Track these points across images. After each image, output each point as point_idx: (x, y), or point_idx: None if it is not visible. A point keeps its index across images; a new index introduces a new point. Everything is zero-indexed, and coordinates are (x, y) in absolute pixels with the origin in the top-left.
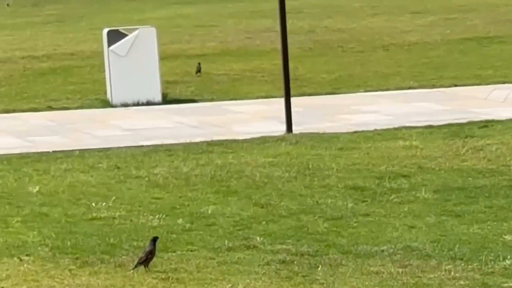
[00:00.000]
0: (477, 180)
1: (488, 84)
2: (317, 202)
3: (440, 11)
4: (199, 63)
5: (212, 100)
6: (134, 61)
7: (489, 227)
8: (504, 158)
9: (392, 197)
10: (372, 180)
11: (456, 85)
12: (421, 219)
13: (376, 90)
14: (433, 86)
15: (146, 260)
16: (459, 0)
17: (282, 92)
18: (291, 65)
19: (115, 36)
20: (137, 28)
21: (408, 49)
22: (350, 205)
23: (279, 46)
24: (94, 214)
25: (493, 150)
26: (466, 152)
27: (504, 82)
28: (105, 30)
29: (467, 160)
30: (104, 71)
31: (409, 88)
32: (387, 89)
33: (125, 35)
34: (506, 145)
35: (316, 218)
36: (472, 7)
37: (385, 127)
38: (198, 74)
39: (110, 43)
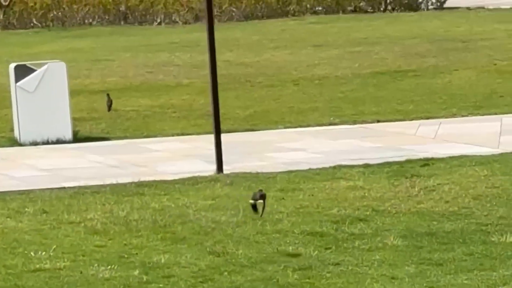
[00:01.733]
0: (443, 224)
1: (411, 119)
2: (277, 249)
3: (343, 44)
4: (109, 96)
5: (125, 137)
6: (43, 97)
7: (478, 278)
8: (462, 200)
9: (357, 243)
10: (328, 225)
11: (379, 121)
12: (399, 268)
13: (296, 127)
14: (355, 122)
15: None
16: (360, 33)
17: (201, 129)
18: (200, 100)
19: (22, 71)
20: (46, 63)
21: (319, 84)
22: (314, 253)
23: (183, 80)
24: (37, 265)
25: (447, 191)
26: (419, 193)
27: (427, 118)
28: (12, 65)
29: (423, 202)
30: (10, 107)
31: (330, 124)
32: (308, 125)
33: (33, 70)
34: (459, 185)
35: (282, 268)
36: (375, 40)
37: (320, 166)
38: (110, 109)
39: (17, 78)
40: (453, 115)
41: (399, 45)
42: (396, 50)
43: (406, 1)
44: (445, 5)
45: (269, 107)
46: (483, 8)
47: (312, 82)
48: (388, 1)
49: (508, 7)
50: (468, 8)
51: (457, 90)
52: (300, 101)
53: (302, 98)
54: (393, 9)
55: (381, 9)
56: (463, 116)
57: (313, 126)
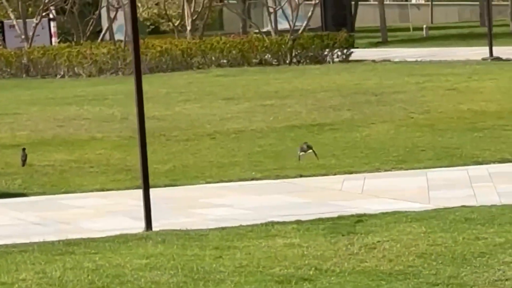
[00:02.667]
0: (393, 284)
1: (335, 174)
2: None
3: (254, 98)
4: (24, 151)
5: (43, 193)
6: None
7: None
8: (406, 258)
9: None
10: (273, 285)
11: (302, 176)
12: None
13: (218, 182)
14: (278, 177)
15: None
16: (270, 86)
17: (121, 184)
18: (116, 155)
19: None
20: None
21: (235, 137)
22: None
23: (96, 134)
24: None
25: (388, 248)
26: (360, 251)
27: (351, 172)
28: None
29: (366, 260)
30: None
31: (253, 179)
32: (230, 180)
33: None
34: (399, 242)
35: None
36: (287, 93)
37: (250, 223)
38: (24, 164)
39: None
40: (377, 170)
41: (312, 98)
42: (309, 103)
43: (312, 54)
44: (351, 58)
45: (188, 162)
46: (389, 61)
47: (228, 136)
48: (293, 53)
49: (413, 60)
50: (374, 61)
51: (377, 144)
52: (219, 155)
53: (221, 152)
54: (298, 61)
55: (287, 61)
56: (386, 170)
57: (235, 181)
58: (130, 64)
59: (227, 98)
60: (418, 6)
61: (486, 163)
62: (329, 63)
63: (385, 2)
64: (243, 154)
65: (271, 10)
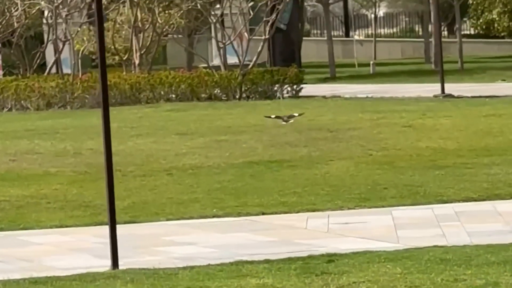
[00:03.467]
0: None
1: (298, 212)
2: None
3: (208, 133)
4: None
5: (1, 229)
6: None
7: None
8: None
9: None
10: None
11: (264, 213)
12: None
13: (178, 219)
14: (239, 214)
15: None
16: (223, 122)
17: (80, 221)
18: (73, 190)
19: None
20: None
21: (193, 173)
22: None
23: (50, 169)
24: None
25: None
26: None
27: (314, 210)
28: None
29: None
30: None
31: (214, 216)
32: (191, 217)
33: None
34: (376, 283)
35: None
36: (240, 128)
37: (219, 262)
38: None
39: None
40: (340, 208)
41: (267, 134)
42: (265, 139)
43: (261, 89)
44: (300, 94)
45: (147, 198)
46: (339, 97)
47: (185, 172)
48: (243, 89)
49: (364, 96)
50: (324, 97)
51: (338, 181)
52: (177, 191)
53: (179, 188)
54: (247, 97)
55: (236, 97)
56: (349, 208)
57: (196, 218)
58: (78, 98)
59: (180, 133)
60: (361, 42)
61: (451, 202)
62: (279, 98)
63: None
64: (202, 191)
65: (220, 44)
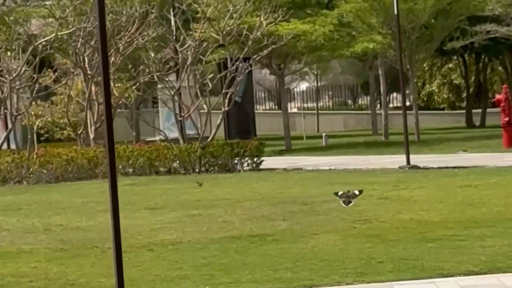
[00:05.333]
0: None
1: None
2: None
3: (178, 207)
4: None
5: None
6: None
7: None
8: None
9: None
10: None
11: None
12: None
13: None
14: None
15: None
16: (190, 195)
17: None
18: (53, 268)
19: None
20: None
21: (174, 249)
22: None
23: (23, 246)
24: None
25: None
26: None
27: (311, 286)
28: None
29: None
30: None
31: None
32: None
33: None
34: None
35: None
36: (211, 202)
37: None
38: None
39: None
40: (338, 283)
41: (239, 207)
42: (239, 213)
43: (221, 162)
44: (261, 167)
45: (134, 276)
46: (301, 169)
47: (165, 247)
48: (202, 162)
49: (326, 168)
50: (285, 169)
51: (329, 255)
52: (163, 268)
53: (164, 264)
54: (207, 170)
55: (196, 170)
56: (348, 284)
57: None
58: (35, 173)
59: (150, 208)
60: (304, 114)
61: (452, 276)
62: (240, 171)
63: (269, 111)
64: (189, 267)
65: (178, 117)
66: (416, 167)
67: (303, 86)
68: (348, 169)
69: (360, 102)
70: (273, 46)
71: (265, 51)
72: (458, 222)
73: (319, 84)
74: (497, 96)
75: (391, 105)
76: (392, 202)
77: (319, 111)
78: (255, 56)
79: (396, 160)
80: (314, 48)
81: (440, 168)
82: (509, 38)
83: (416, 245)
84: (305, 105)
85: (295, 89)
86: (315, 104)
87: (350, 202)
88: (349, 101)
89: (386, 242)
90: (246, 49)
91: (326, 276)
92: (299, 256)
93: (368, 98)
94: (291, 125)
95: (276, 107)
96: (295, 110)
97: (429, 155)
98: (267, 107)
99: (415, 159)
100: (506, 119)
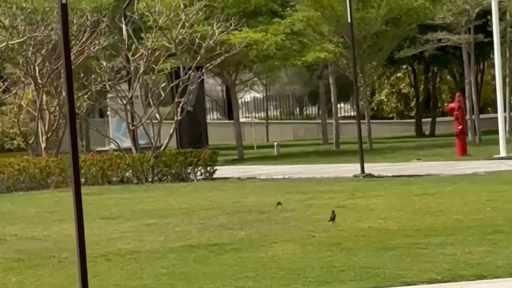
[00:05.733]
0: None
1: None
2: None
3: (133, 217)
4: None
5: None
6: None
7: None
8: None
9: None
10: None
11: None
12: None
13: None
14: None
15: None
16: (144, 205)
17: None
18: (12, 278)
19: None
20: None
21: (132, 258)
22: None
23: None
24: None
25: None
26: None
27: None
28: None
29: None
30: None
31: None
32: None
33: None
34: None
35: None
36: (166, 212)
37: None
38: None
39: None
40: None
41: (195, 217)
42: (195, 222)
43: (174, 171)
44: (214, 176)
45: (94, 286)
46: (255, 178)
47: (123, 257)
48: (155, 171)
49: (280, 177)
50: (239, 178)
51: (289, 264)
52: (123, 278)
53: (123, 274)
54: (160, 179)
55: (149, 179)
56: None
57: None
58: None
59: (105, 217)
60: (252, 124)
61: (415, 284)
62: (193, 181)
63: (218, 121)
64: (149, 276)
65: (131, 126)
66: (370, 176)
67: (247, 96)
68: (302, 178)
69: (307, 111)
70: (226, 55)
71: (218, 60)
72: (417, 230)
73: (266, 94)
74: (451, 105)
75: (339, 115)
76: (349, 211)
77: (268, 121)
78: (207, 65)
79: (349, 168)
80: (266, 57)
81: (394, 176)
82: (459, 46)
83: (377, 254)
84: (251, 115)
85: (241, 99)
86: (261, 114)
87: (333, 218)
88: (296, 111)
89: (346, 250)
90: (198, 58)
91: (288, 285)
92: (259, 265)
93: (315, 108)
94: (237, 134)
95: (222, 117)
96: (243, 120)
97: (382, 164)
98: (214, 117)
99: (369, 167)
100: (460, 127)
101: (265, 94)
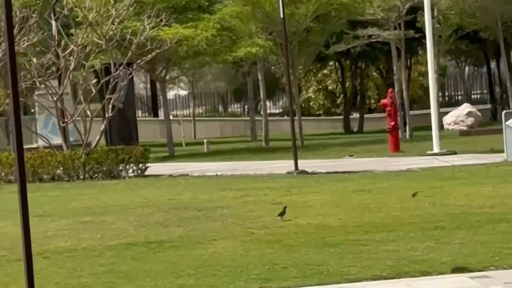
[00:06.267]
0: None
1: None
2: None
3: (68, 214)
4: None
5: None
6: None
7: None
8: None
9: None
10: None
11: None
12: None
13: None
14: None
15: None
16: (79, 203)
17: None
18: None
19: None
20: None
21: (70, 256)
22: None
23: None
24: None
25: None
26: None
27: None
28: None
29: None
30: None
31: None
32: None
33: None
34: None
35: None
36: (100, 209)
37: None
38: None
39: None
40: None
41: (131, 214)
42: (131, 219)
43: (105, 168)
44: (146, 173)
45: (34, 284)
46: (187, 175)
47: (61, 255)
48: (86, 168)
49: (213, 174)
50: (171, 176)
51: (231, 261)
52: (62, 276)
53: (62, 272)
54: (91, 177)
55: (80, 177)
56: None
57: None
58: None
59: (38, 215)
60: (180, 121)
61: (359, 281)
62: (125, 178)
63: (144, 118)
64: (88, 275)
65: (62, 123)
66: (304, 172)
67: (170, 94)
68: (235, 174)
69: (231, 109)
70: (157, 51)
71: (149, 56)
72: (358, 227)
73: (190, 91)
74: (383, 101)
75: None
76: (287, 208)
77: (195, 118)
78: (138, 61)
79: (282, 165)
80: (196, 53)
81: (329, 173)
82: (388, 42)
83: (318, 250)
84: (174, 112)
85: (169, 96)
86: (185, 111)
87: (283, 213)
88: (220, 108)
89: (287, 247)
90: (129, 54)
91: (231, 282)
92: (200, 263)
93: (240, 105)
94: (168, 131)
95: (146, 114)
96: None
97: (315, 160)
98: (138, 115)
99: (302, 164)
100: (392, 123)
101: (191, 91)
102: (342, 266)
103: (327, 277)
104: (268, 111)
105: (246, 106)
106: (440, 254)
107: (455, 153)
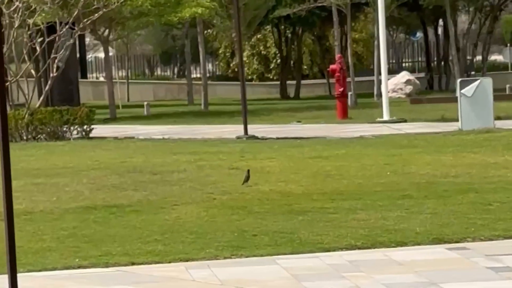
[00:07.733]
0: None
1: (170, 262)
2: None
3: (18, 176)
4: None
5: None
6: None
7: None
8: None
9: None
10: None
11: (134, 263)
12: None
13: (40, 270)
14: (108, 265)
15: None
16: (27, 164)
17: None
18: None
19: None
20: None
21: (28, 219)
22: None
23: None
24: None
25: None
26: None
27: (187, 260)
28: None
29: None
30: None
31: (80, 267)
32: (54, 268)
33: None
34: None
35: None
36: (52, 171)
37: None
38: None
39: None
40: (215, 257)
41: (84, 177)
42: (85, 182)
43: (49, 130)
44: (91, 135)
45: None
46: (133, 138)
47: (18, 217)
48: (29, 129)
49: (159, 137)
50: (116, 138)
51: (197, 228)
52: (23, 239)
53: (22, 235)
54: (34, 138)
55: (24, 138)
56: (226, 258)
57: (60, 269)
58: None
59: None
60: (118, 83)
61: (334, 250)
62: (69, 139)
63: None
64: (51, 239)
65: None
66: (254, 137)
67: (91, 55)
68: (183, 138)
69: (158, 72)
70: (104, 10)
71: (96, 15)
72: (323, 194)
73: (113, 53)
74: (332, 66)
75: (194, 76)
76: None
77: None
78: (85, 20)
79: (229, 130)
80: (140, 13)
81: (280, 138)
82: (327, 8)
83: (286, 218)
84: (102, 74)
85: (90, 59)
86: (114, 73)
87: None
88: (147, 71)
89: (253, 214)
90: (76, 13)
91: (201, 249)
92: (166, 228)
93: (169, 69)
94: (100, 94)
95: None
96: (101, 79)
97: (261, 125)
98: None
99: (249, 129)
100: (341, 89)
101: (126, 53)
102: (314, 235)
103: (300, 246)
104: (193, 75)
105: (175, 70)
106: (413, 224)
107: (405, 121)
